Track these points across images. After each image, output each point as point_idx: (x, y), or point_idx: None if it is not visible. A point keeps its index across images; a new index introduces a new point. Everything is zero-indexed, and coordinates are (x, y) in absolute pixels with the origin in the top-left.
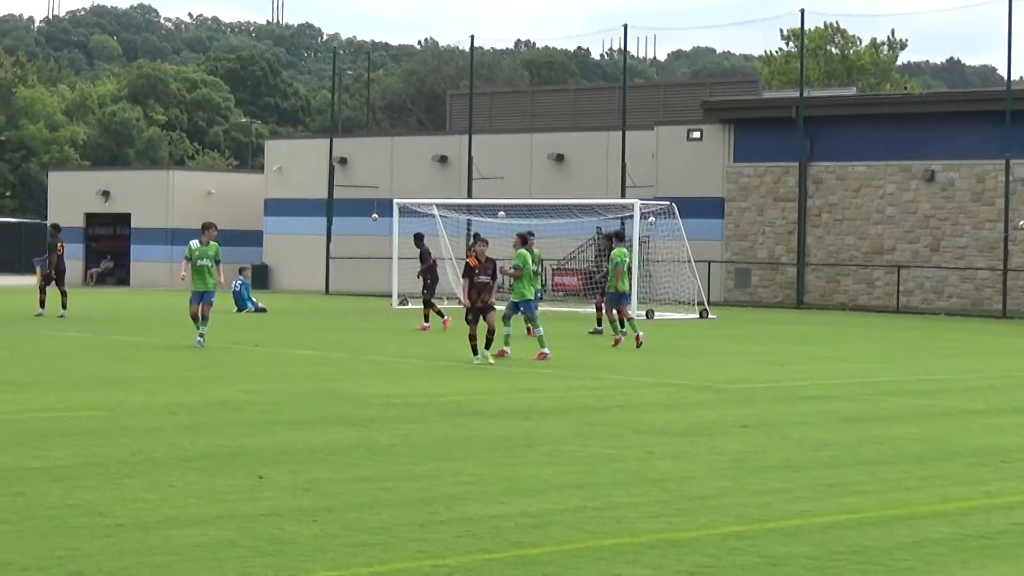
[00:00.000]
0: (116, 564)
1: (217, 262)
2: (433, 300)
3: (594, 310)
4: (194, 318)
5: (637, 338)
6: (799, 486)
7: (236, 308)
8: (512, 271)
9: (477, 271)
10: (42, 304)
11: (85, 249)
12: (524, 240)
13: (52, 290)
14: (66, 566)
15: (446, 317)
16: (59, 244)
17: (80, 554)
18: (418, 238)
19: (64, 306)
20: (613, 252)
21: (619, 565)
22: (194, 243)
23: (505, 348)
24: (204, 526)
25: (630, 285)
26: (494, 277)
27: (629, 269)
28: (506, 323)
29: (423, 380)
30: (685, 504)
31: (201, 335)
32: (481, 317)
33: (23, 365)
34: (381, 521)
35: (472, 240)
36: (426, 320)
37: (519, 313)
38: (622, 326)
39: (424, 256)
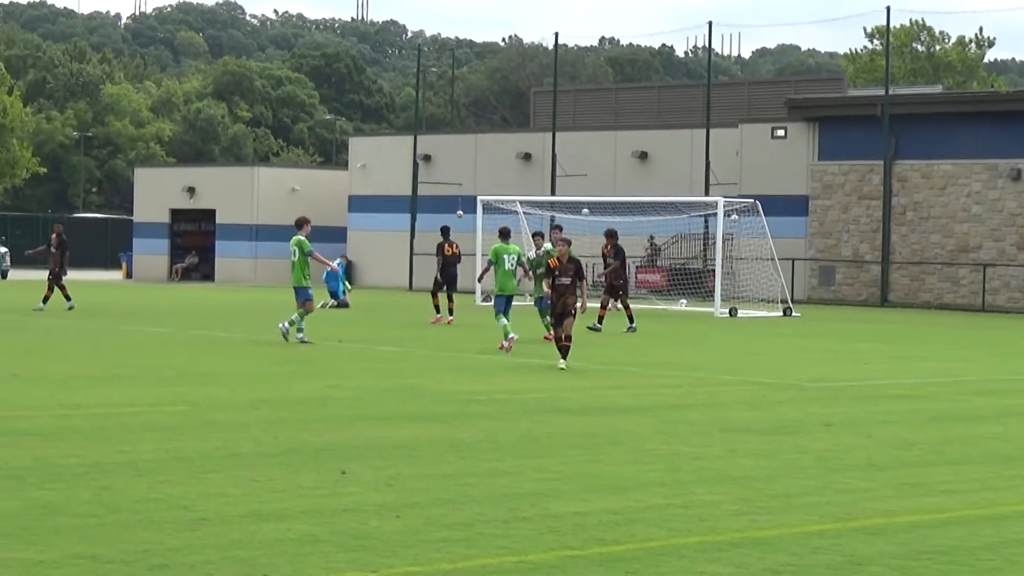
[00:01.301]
0: (199, 558)
1: (308, 254)
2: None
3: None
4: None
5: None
6: (883, 485)
7: (331, 301)
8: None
9: (557, 272)
10: (45, 300)
11: (170, 245)
12: (505, 235)
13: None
14: (150, 560)
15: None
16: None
17: (164, 548)
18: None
19: (44, 300)
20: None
21: (702, 563)
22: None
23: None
24: (287, 521)
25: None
26: (577, 278)
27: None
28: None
29: (506, 377)
30: (768, 502)
31: (299, 330)
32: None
33: (108, 360)
34: (464, 517)
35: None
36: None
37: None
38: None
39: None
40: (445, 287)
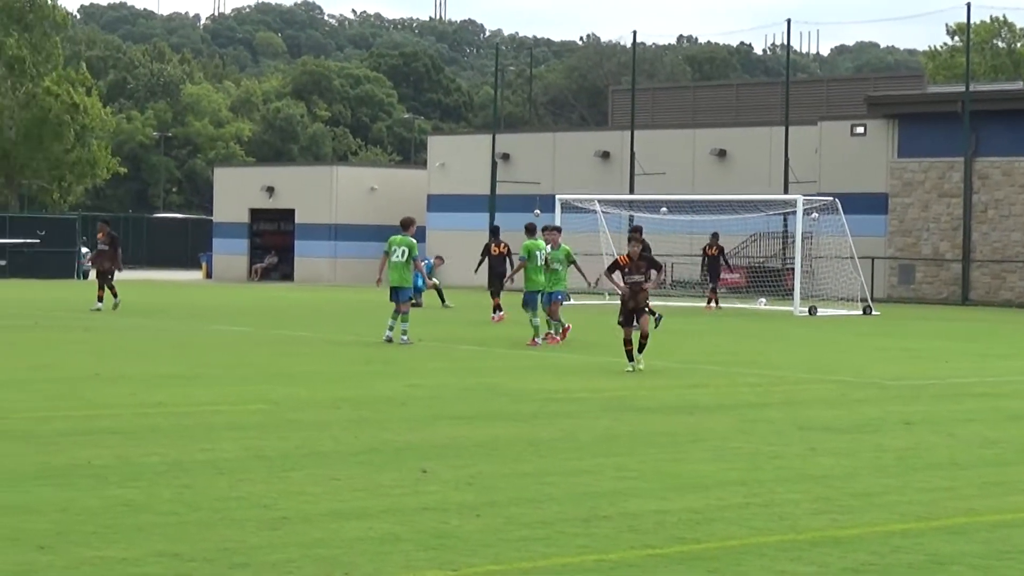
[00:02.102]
0: (281, 556)
1: (413, 258)
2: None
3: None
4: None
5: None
6: (965, 484)
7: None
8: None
9: (628, 270)
10: (100, 299)
11: (250, 245)
12: (531, 231)
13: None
14: (231, 558)
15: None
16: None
17: (245, 546)
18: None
19: (100, 299)
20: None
21: (783, 562)
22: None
23: (538, 339)
24: (368, 519)
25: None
26: (648, 276)
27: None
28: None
29: (584, 375)
30: (849, 501)
31: (402, 331)
32: (635, 320)
33: (189, 359)
34: (544, 516)
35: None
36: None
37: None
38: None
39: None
40: (497, 284)
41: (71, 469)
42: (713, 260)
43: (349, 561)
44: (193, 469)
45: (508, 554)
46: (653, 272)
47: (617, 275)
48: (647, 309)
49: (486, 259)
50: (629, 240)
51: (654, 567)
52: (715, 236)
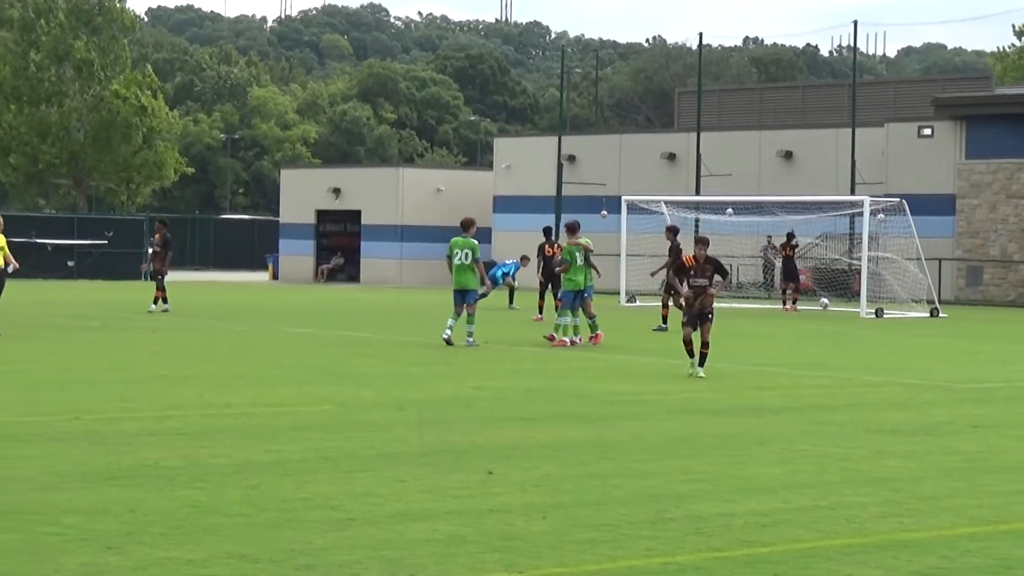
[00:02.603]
0: (347, 558)
1: (475, 260)
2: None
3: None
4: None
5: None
6: None
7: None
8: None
9: (693, 272)
10: (155, 301)
11: (316, 246)
12: (573, 231)
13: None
14: (298, 559)
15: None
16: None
17: (312, 547)
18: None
19: (155, 300)
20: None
21: (850, 565)
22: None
23: (566, 339)
24: (434, 521)
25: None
26: (720, 275)
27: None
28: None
29: (651, 377)
30: (916, 504)
31: (468, 333)
32: (698, 325)
33: (255, 360)
34: (610, 518)
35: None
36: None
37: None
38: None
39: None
40: (549, 286)
41: (140, 470)
42: (789, 261)
43: (414, 563)
44: (260, 470)
45: (574, 556)
46: (719, 278)
47: (674, 279)
48: (710, 316)
49: (541, 260)
50: (696, 243)
51: (720, 570)
52: (790, 236)
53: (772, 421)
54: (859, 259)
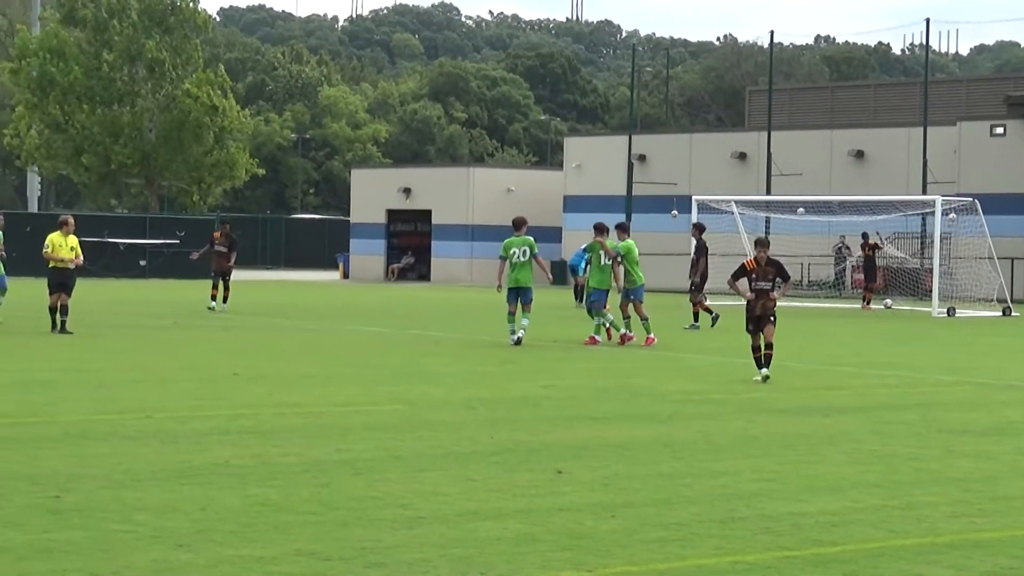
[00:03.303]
0: (417, 556)
1: (534, 256)
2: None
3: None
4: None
5: (623, 337)
6: None
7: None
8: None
9: (755, 275)
10: (214, 298)
11: (387, 245)
12: (602, 230)
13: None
14: (368, 557)
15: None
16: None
17: (382, 545)
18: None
19: (213, 298)
20: (622, 244)
21: (920, 565)
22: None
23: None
24: (504, 520)
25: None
26: (776, 283)
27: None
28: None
29: (721, 377)
30: (988, 504)
31: (518, 331)
32: (761, 327)
33: (325, 359)
34: (679, 517)
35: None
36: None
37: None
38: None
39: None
40: None
41: (211, 468)
42: (869, 260)
43: (484, 561)
44: (330, 469)
45: (643, 555)
46: (781, 281)
47: (743, 282)
48: (772, 318)
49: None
50: (756, 245)
51: (790, 569)
52: (865, 236)
53: (842, 420)
54: (931, 258)
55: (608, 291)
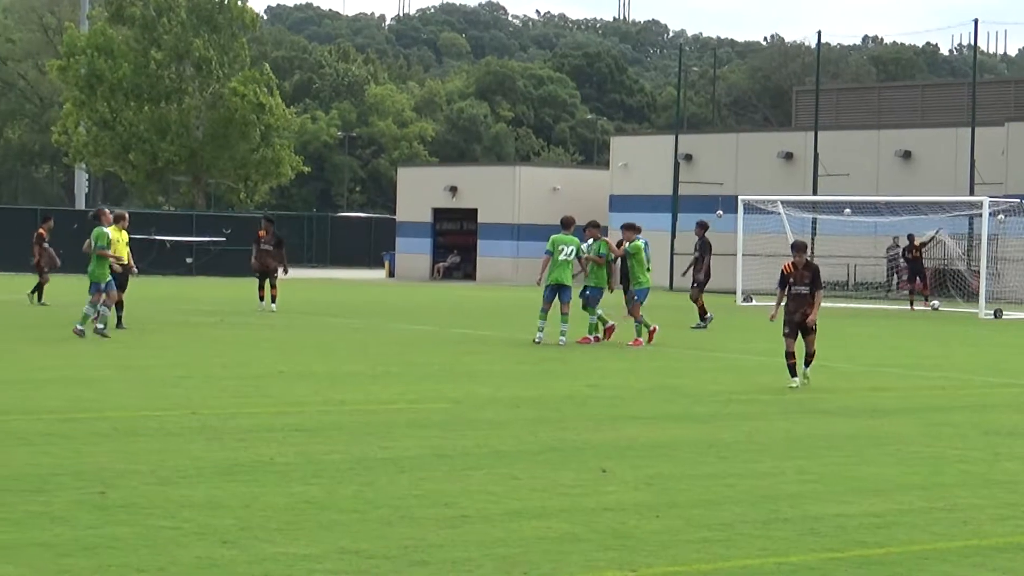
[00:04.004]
0: (461, 555)
1: (578, 256)
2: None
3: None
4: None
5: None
6: None
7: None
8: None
9: (792, 280)
10: (262, 299)
11: (433, 244)
12: (596, 226)
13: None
14: (412, 555)
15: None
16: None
17: (426, 544)
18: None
19: (262, 299)
20: (631, 244)
21: (966, 568)
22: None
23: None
24: (548, 519)
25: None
26: (815, 287)
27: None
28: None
29: (766, 377)
30: None
31: (561, 332)
32: (800, 334)
33: (371, 357)
34: (724, 518)
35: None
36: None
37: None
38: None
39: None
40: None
41: (256, 466)
42: (916, 262)
43: (528, 560)
44: (374, 467)
45: (687, 555)
46: (817, 292)
47: (780, 291)
48: (813, 327)
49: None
50: (793, 249)
51: (834, 571)
52: (911, 239)
53: (887, 422)
54: (978, 260)
55: (603, 289)
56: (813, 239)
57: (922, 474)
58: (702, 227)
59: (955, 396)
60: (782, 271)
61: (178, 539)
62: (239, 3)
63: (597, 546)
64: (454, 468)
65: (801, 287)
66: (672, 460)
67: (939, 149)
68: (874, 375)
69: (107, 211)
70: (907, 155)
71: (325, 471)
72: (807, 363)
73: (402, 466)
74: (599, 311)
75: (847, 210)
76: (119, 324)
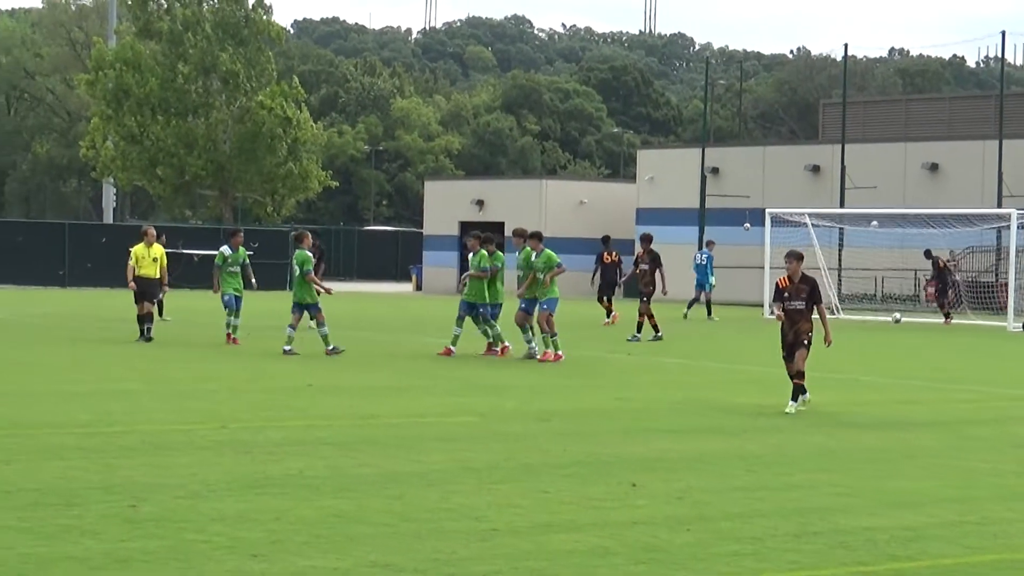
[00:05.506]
0: (490, 568)
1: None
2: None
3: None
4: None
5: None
6: None
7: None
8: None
9: (788, 295)
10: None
11: (460, 257)
12: (484, 242)
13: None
14: (442, 569)
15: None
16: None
17: (455, 557)
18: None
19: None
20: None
21: None
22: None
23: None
24: (577, 532)
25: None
26: (812, 301)
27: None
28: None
29: None
30: None
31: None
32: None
33: (401, 370)
34: (754, 531)
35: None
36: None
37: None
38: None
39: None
40: (608, 291)
41: (286, 479)
42: (944, 274)
43: (557, 574)
44: (404, 480)
45: (718, 568)
46: (816, 306)
47: (777, 306)
48: (806, 342)
49: (598, 267)
50: (787, 258)
51: None
52: (927, 254)
53: (918, 435)
54: (1006, 272)
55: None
56: (840, 252)
57: (953, 487)
58: (647, 240)
59: (985, 409)
60: (776, 285)
61: (209, 552)
62: (264, 17)
63: (627, 560)
64: (483, 481)
65: (796, 302)
66: (702, 473)
67: (966, 161)
68: (903, 388)
69: (308, 234)
70: (934, 167)
71: (355, 485)
72: (797, 393)
73: (431, 479)
74: (498, 329)
75: (874, 223)
76: (146, 335)
